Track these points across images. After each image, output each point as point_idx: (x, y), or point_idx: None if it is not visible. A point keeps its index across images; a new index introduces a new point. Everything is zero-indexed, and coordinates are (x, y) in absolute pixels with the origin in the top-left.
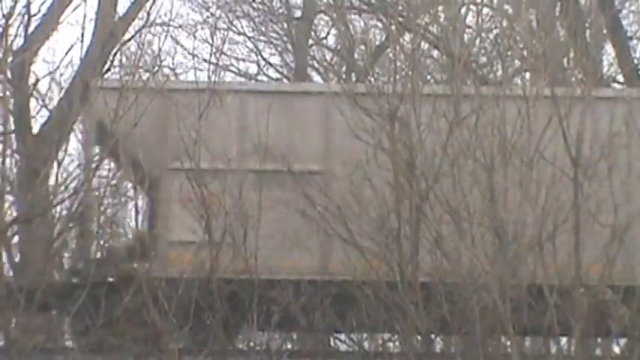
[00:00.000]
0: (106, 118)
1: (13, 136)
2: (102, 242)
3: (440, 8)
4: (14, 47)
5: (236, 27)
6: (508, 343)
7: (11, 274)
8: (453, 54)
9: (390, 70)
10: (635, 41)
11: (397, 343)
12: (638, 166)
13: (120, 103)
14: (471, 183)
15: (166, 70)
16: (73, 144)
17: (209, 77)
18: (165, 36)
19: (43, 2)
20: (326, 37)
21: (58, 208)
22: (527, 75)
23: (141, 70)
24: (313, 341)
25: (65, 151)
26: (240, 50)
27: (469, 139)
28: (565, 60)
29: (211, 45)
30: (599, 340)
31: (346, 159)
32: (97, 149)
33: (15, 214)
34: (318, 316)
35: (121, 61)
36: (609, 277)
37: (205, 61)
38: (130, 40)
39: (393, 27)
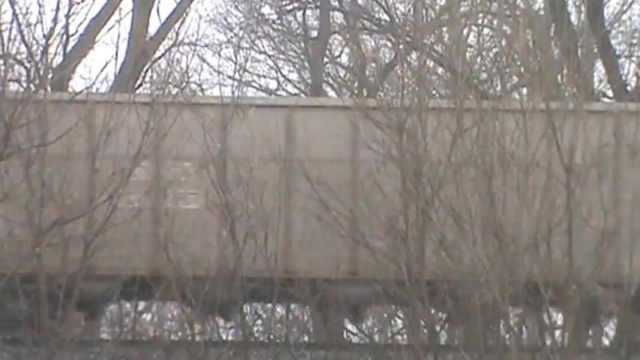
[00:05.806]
0: None
1: None
2: None
3: (444, 29)
4: (54, 64)
5: (257, 46)
6: (507, 335)
7: None
8: (456, 71)
9: (398, 85)
10: (623, 59)
11: (405, 336)
12: (626, 174)
13: None
14: (472, 189)
15: (193, 86)
16: None
17: (232, 92)
18: (193, 54)
19: (81, 23)
20: (340, 56)
21: None
22: (524, 90)
23: (170, 86)
24: (328, 334)
25: None
26: (262, 67)
27: (471, 149)
28: (559, 76)
29: (235, 63)
30: (590, 332)
31: None
32: None
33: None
34: (332, 311)
35: (151, 77)
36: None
37: (229, 77)
38: (160, 58)
39: (402, 46)
